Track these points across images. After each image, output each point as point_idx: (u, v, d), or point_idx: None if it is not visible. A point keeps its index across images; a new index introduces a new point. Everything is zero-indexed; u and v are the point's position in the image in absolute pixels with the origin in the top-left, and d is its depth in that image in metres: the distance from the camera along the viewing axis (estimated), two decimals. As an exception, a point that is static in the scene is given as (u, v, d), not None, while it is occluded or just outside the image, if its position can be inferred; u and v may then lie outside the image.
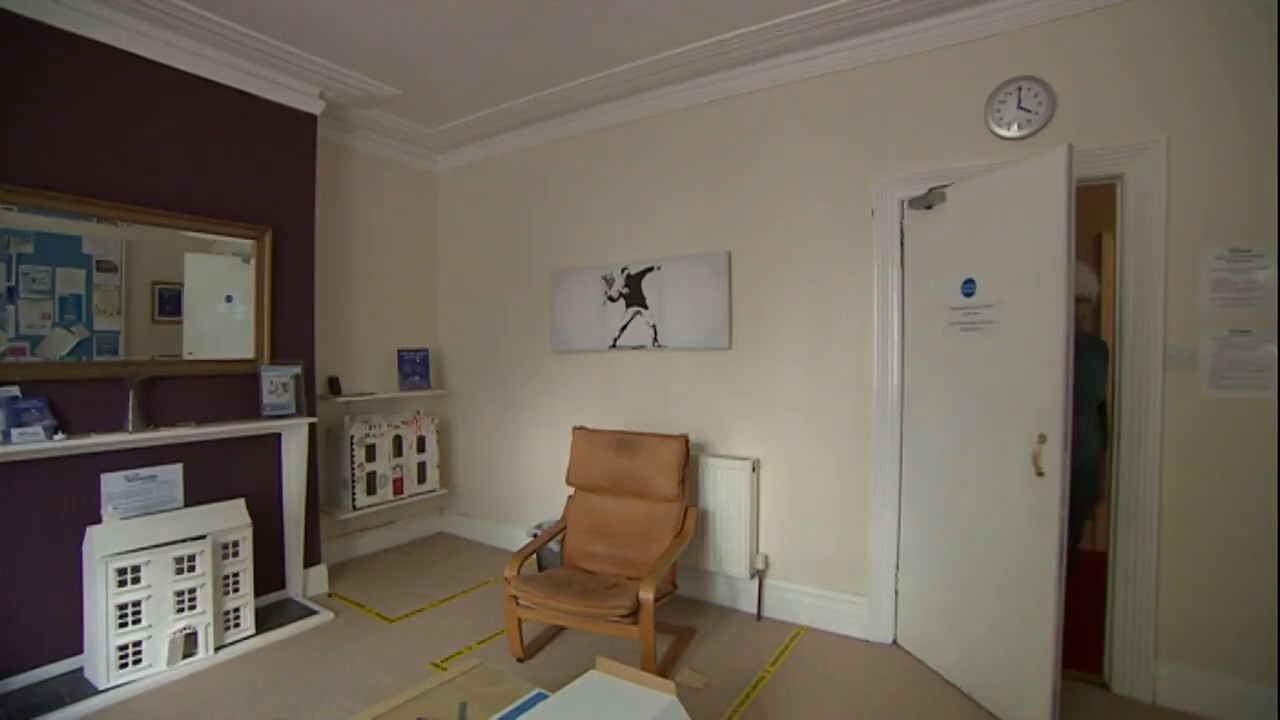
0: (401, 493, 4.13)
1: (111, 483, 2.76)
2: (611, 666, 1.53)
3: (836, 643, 2.97)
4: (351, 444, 3.82)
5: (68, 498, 2.66)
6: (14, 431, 2.40)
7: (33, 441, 2.43)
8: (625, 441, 3.15)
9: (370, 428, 3.93)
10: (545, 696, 1.73)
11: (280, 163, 3.41)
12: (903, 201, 2.87)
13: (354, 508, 3.84)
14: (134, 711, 2.44)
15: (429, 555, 4.25)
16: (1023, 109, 2.62)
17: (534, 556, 3.01)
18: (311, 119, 3.55)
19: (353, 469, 3.82)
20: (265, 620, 3.07)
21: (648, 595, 2.44)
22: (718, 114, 3.42)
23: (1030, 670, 2.19)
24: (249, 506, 3.02)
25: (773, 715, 2.41)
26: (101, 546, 2.54)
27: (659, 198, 3.63)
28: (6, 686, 2.51)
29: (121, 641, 2.55)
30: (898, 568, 2.91)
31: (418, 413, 4.32)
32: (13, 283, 2.54)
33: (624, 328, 3.71)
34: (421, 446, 4.26)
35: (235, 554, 2.91)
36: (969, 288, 2.51)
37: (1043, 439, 2.16)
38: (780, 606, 3.22)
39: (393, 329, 4.40)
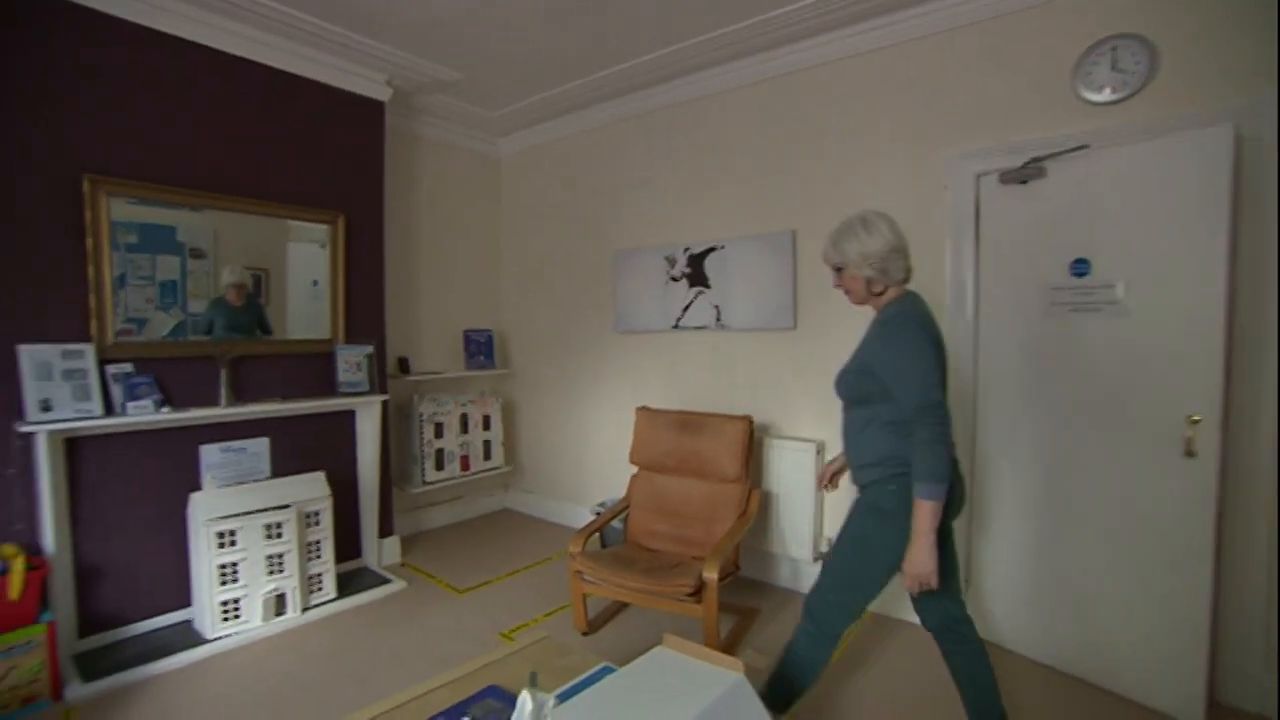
0: (468, 469, 4.26)
1: (209, 454, 2.96)
2: (679, 643, 1.55)
3: (905, 630, 2.90)
4: (420, 421, 3.96)
5: (174, 466, 2.87)
6: (129, 405, 2.61)
7: (144, 414, 2.64)
8: (688, 422, 3.15)
9: (438, 406, 4.06)
10: (612, 670, 1.76)
11: (351, 150, 3.52)
12: (978, 176, 2.72)
13: (424, 482, 4.00)
14: (236, 661, 2.63)
15: (495, 530, 4.39)
16: (1118, 70, 2.43)
17: (597, 534, 3.06)
18: (379, 106, 3.65)
19: (422, 445, 3.97)
20: (344, 586, 3.24)
21: (711, 575, 2.44)
22: (781, 90, 3.32)
23: (1178, 650, 2.21)
24: (328, 479, 3.18)
25: (840, 701, 2.38)
26: (203, 511, 2.74)
27: (721, 177, 3.57)
28: (130, 632, 2.78)
29: (223, 598, 2.76)
30: (968, 555, 2.82)
31: (483, 392, 4.44)
32: (123, 270, 2.73)
33: (686, 308, 3.69)
34: (487, 424, 4.38)
35: (316, 523, 3.07)
36: (1081, 268, 2.41)
37: (1195, 420, 2.12)
38: (845, 591, 3.17)
39: (459, 310, 4.52)
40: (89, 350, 2.58)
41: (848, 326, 3.11)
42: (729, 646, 2.73)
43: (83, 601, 2.64)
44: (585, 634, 2.86)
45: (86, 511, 2.64)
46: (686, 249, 3.67)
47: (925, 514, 1.66)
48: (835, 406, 3.13)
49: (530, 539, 4.20)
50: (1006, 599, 2.71)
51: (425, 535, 4.22)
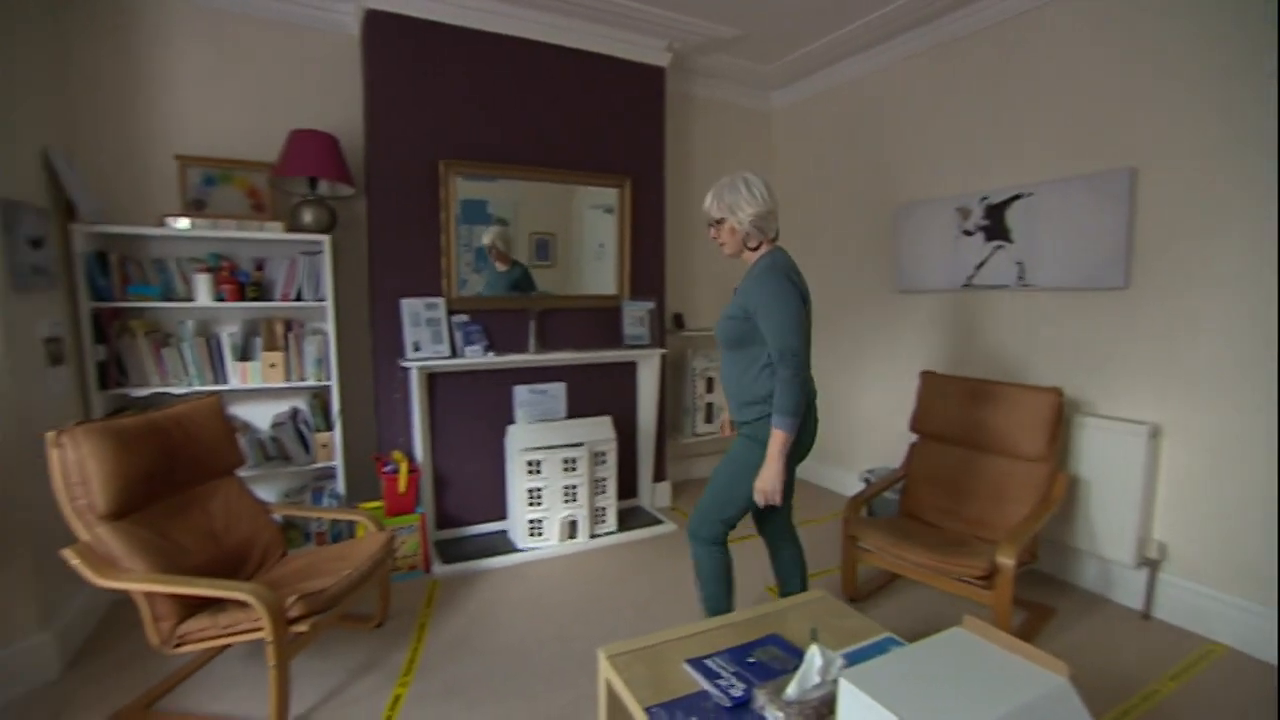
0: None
1: (520, 393, 3.49)
2: (983, 628, 1.42)
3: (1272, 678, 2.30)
4: (693, 375, 4.17)
5: (495, 402, 3.45)
6: (466, 349, 3.19)
7: (476, 356, 3.21)
8: (982, 390, 2.83)
9: (709, 361, 4.23)
10: (897, 641, 1.70)
11: (635, 117, 3.74)
12: None
13: (693, 434, 4.23)
14: (539, 570, 3.12)
15: (755, 485, 4.48)
16: None
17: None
18: (660, 72, 3.81)
19: (693, 398, 4.19)
20: (623, 521, 3.60)
21: (1008, 560, 2.20)
22: (1114, 3, 2.69)
23: None
24: (613, 423, 3.53)
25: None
26: (516, 442, 3.26)
27: (1028, 113, 3.05)
28: (465, 532, 3.45)
29: (530, 517, 3.27)
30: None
31: (749, 350, 4.50)
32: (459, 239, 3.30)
33: (981, 264, 3.28)
34: (753, 382, 4.44)
35: (603, 462, 3.45)
36: None
37: None
38: (1181, 610, 2.61)
39: (729, 268, 4.59)
40: (441, 303, 3.21)
41: (1204, 286, 2.49)
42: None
43: (439, 502, 3.34)
44: (852, 601, 2.80)
45: (439, 432, 3.31)
46: (984, 198, 3.24)
47: (778, 441, 1.94)
48: (1181, 384, 2.59)
49: (794, 497, 4.19)
50: None
51: (692, 483, 4.48)
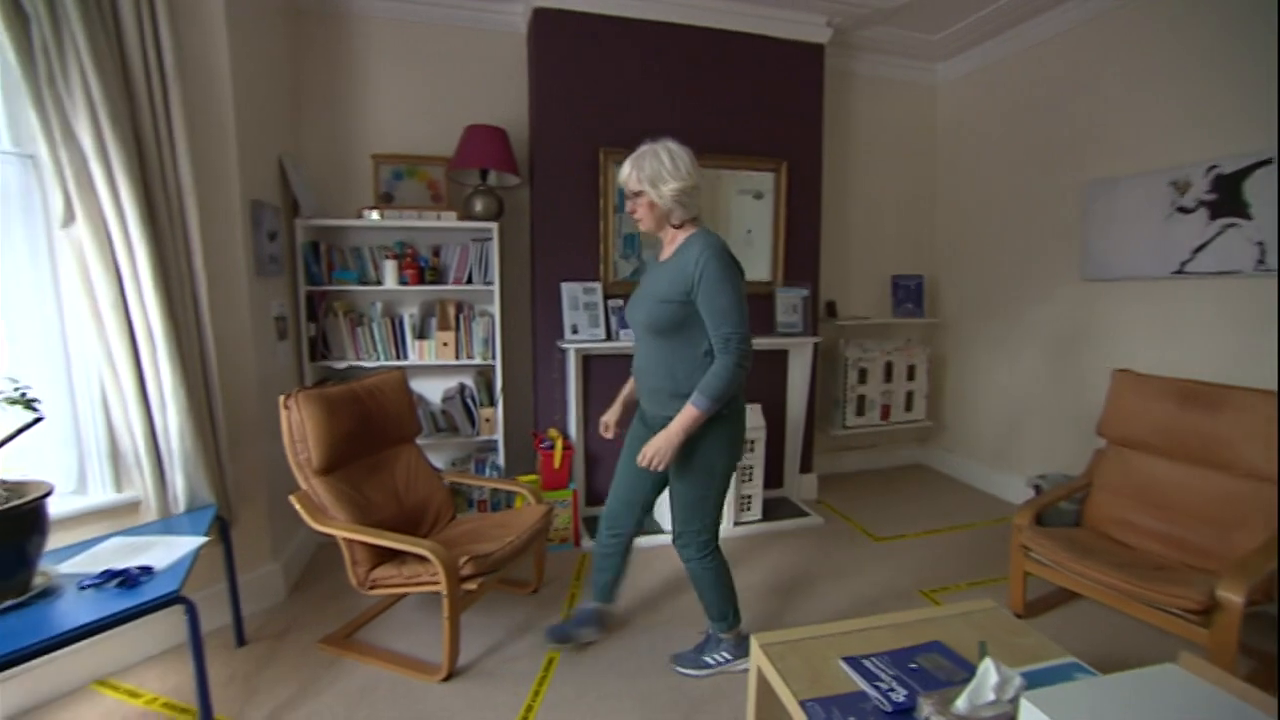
0: (887, 418, 4.16)
1: (671, 378, 3.54)
2: (1204, 668, 1.23)
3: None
4: (846, 366, 3.99)
5: (645, 386, 3.52)
6: (621, 332, 3.29)
7: (631, 341, 3.27)
8: (1198, 393, 2.44)
9: (863, 352, 4.03)
10: (1084, 669, 1.52)
11: (792, 98, 3.62)
12: None
13: (843, 426, 4.06)
14: (683, 554, 3.15)
15: (909, 484, 4.23)
16: None
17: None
18: (819, 50, 3.64)
19: (845, 390, 4.01)
20: (769, 511, 3.55)
21: (1234, 596, 1.88)
22: None
23: None
24: (762, 411, 3.47)
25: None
26: (666, 426, 3.31)
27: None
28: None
29: (676, 500, 3.31)
30: None
31: (909, 340, 4.23)
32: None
33: (1201, 248, 2.81)
34: (911, 375, 4.18)
35: (751, 450, 3.41)
36: None
37: None
38: None
39: (887, 255, 4.35)
40: (598, 288, 3.32)
41: None
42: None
43: (589, 480, 3.49)
44: (1019, 616, 2.55)
45: (593, 413, 3.44)
46: (1211, 168, 2.76)
47: (689, 417, 1.83)
48: None
49: (948, 500, 3.92)
50: None
51: (839, 477, 4.32)
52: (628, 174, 1.92)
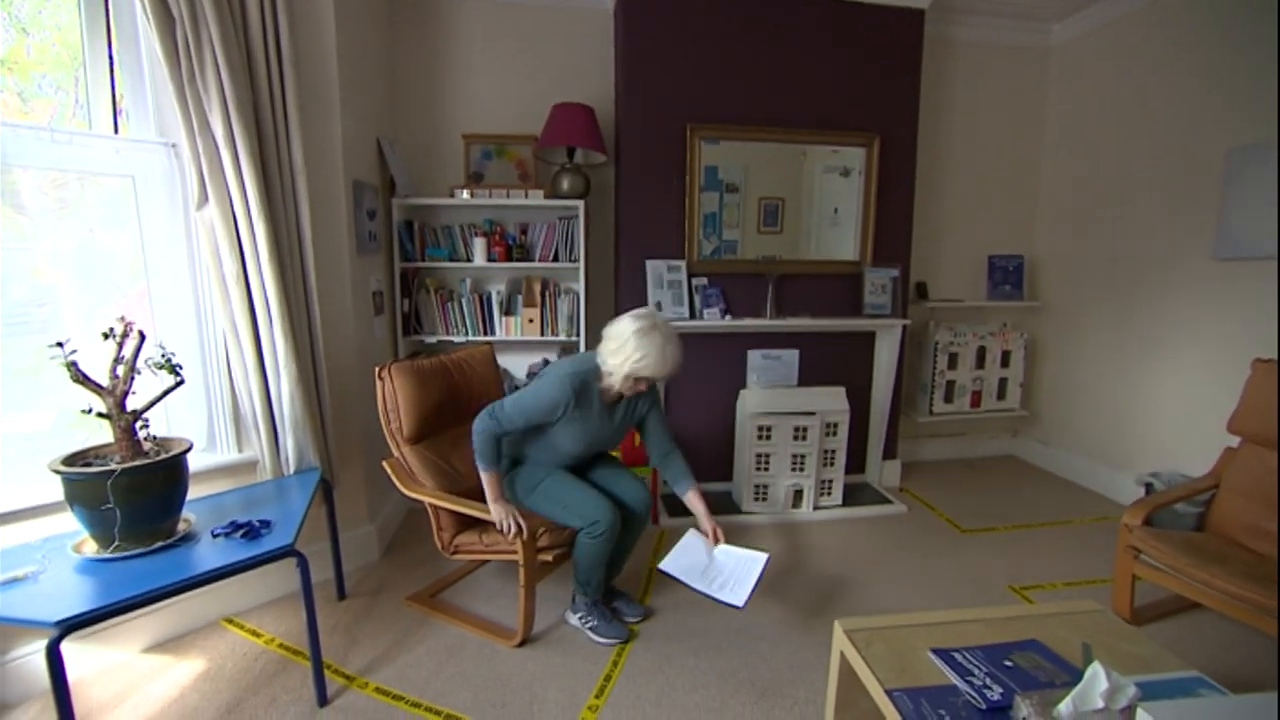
0: (978, 406, 3.96)
1: (753, 358, 3.50)
2: (1353, 691, 1.11)
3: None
4: (935, 350, 3.82)
5: (729, 365, 3.50)
6: (705, 310, 3.28)
7: (714, 319, 3.28)
8: (1349, 390, 2.19)
9: (955, 335, 3.84)
10: (1209, 684, 1.41)
11: (887, 69, 3.44)
12: None
13: (930, 412, 3.90)
14: (763, 533, 3.15)
15: (999, 476, 4.03)
16: None
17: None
18: (919, 15, 3.44)
19: (934, 375, 3.85)
20: (849, 496, 3.47)
21: (1383, 613, 1.69)
22: None
23: None
24: (846, 395, 3.37)
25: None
26: (748, 406, 3.29)
27: None
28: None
29: (756, 482, 3.30)
30: None
31: (1005, 324, 4.00)
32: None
33: (1362, 225, 2.50)
34: (1005, 361, 3.96)
35: (833, 434, 3.33)
36: None
37: None
38: None
39: (983, 233, 4.11)
40: (682, 266, 3.31)
41: None
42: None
43: (667, 457, 3.51)
44: (1125, 623, 2.38)
45: (673, 391, 3.45)
46: (1380, 134, 2.44)
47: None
48: None
49: (1042, 494, 3.71)
50: None
51: (924, 465, 4.16)
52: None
